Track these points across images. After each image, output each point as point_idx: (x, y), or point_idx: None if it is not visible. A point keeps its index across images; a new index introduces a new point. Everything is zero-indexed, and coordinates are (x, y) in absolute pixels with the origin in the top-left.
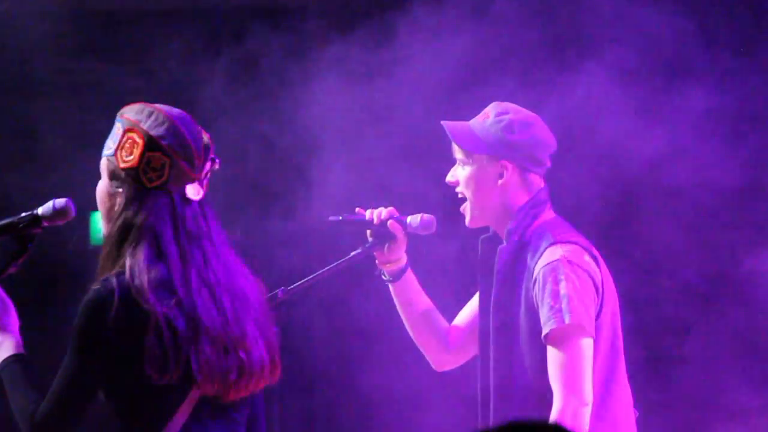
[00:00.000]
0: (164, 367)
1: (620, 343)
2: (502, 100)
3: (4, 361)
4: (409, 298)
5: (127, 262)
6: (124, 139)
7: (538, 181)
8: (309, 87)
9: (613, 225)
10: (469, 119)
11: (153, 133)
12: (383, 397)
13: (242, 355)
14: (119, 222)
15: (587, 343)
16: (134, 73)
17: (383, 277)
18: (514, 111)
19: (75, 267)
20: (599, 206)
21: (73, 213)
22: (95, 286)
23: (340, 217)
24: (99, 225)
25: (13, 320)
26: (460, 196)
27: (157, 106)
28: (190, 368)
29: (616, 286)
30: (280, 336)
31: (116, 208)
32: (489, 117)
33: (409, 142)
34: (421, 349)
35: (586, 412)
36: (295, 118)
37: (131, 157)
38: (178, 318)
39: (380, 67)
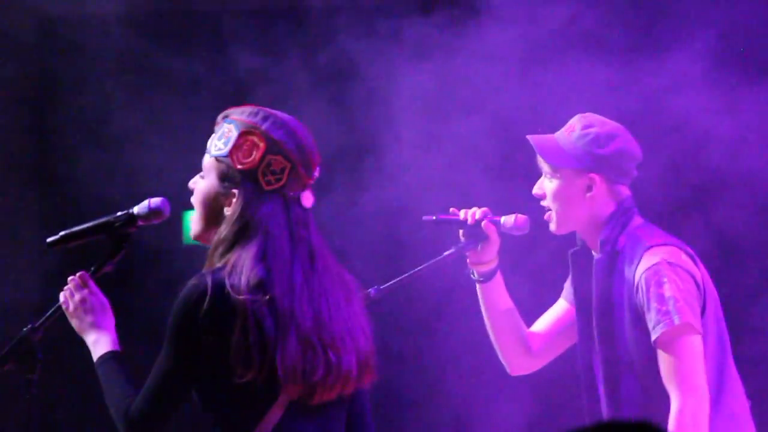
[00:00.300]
0: (248, 365)
1: (726, 336)
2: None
3: (100, 357)
4: (496, 299)
5: (233, 259)
6: (242, 140)
7: (624, 191)
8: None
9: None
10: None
11: (274, 135)
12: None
13: (332, 357)
14: (238, 224)
15: (697, 342)
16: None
17: (472, 276)
18: (600, 124)
19: (168, 266)
20: (685, 194)
21: (167, 213)
22: (191, 282)
23: (434, 217)
24: (191, 222)
25: (110, 318)
26: (546, 207)
27: (268, 109)
28: (273, 370)
29: (712, 280)
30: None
31: (229, 208)
32: (575, 130)
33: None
34: (499, 352)
35: (706, 411)
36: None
37: (251, 159)
38: (267, 316)
39: (460, 59)
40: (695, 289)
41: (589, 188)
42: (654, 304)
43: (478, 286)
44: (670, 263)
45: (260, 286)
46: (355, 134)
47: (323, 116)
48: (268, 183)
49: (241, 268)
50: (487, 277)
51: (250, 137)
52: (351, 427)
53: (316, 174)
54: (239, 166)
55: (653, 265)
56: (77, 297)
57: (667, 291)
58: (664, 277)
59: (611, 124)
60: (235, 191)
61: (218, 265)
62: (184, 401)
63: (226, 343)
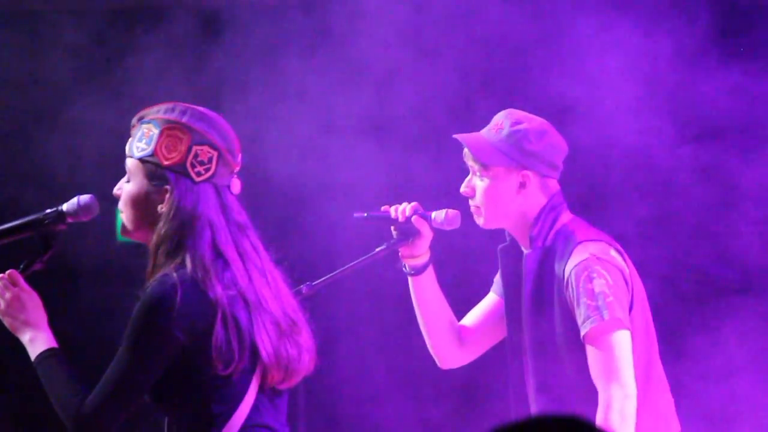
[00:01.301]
0: (230, 357)
1: (653, 332)
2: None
3: (39, 355)
4: (427, 293)
5: (188, 256)
6: (164, 137)
7: (554, 185)
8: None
9: None
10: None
11: (196, 127)
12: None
13: (299, 340)
14: (177, 219)
15: (626, 337)
16: None
17: (404, 269)
18: (528, 120)
19: (99, 263)
20: None
21: (97, 209)
22: (155, 282)
23: (365, 214)
24: (123, 222)
25: (42, 315)
26: (474, 205)
27: (184, 103)
28: (255, 355)
29: (641, 278)
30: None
31: (163, 206)
32: (503, 128)
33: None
34: (430, 345)
35: (633, 404)
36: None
37: (176, 153)
38: (240, 307)
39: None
40: (624, 285)
41: (522, 185)
42: (583, 300)
43: (409, 279)
44: (599, 258)
45: (227, 277)
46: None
47: None
48: (198, 174)
49: (203, 264)
50: (418, 271)
51: (173, 132)
52: None
53: (240, 160)
54: (166, 162)
55: (583, 260)
56: (8, 295)
57: (597, 286)
58: (594, 273)
59: (538, 120)
60: (167, 188)
61: (169, 264)
62: (138, 402)
63: (204, 338)
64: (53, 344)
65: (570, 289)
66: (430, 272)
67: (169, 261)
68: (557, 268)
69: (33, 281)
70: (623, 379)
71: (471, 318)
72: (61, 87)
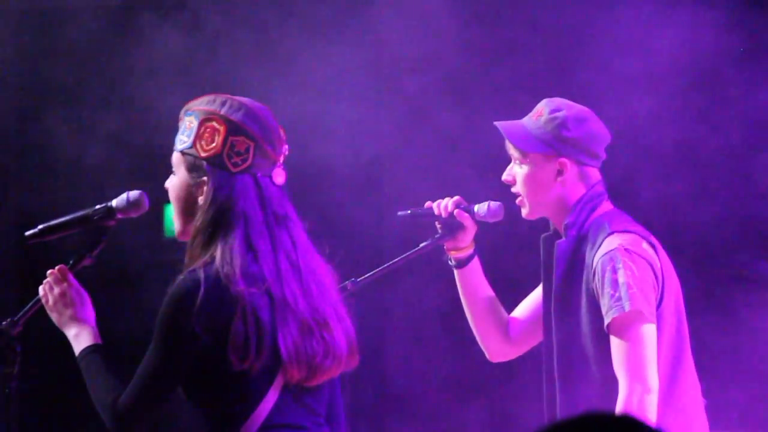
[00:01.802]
0: (246, 353)
1: (685, 330)
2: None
3: (82, 351)
4: (474, 285)
5: (218, 250)
6: (202, 129)
7: (594, 174)
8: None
9: None
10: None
11: (233, 118)
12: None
13: (327, 337)
14: (212, 210)
15: (649, 330)
16: None
17: (450, 262)
18: (567, 107)
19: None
20: None
21: (147, 205)
22: (181, 278)
23: (409, 212)
24: (172, 218)
25: (89, 312)
26: (516, 193)
27: (226, 95)
28: (277, 354)
29: (677, 273)
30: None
31: (202, 198)
32: (543, 115)
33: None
34: (479, 338)
35: (653, 399)
36: None
37: (214, 144)
38: (264, 304)
39: None
40: (652, 278)
41: (560, 173)
42: (607, 289)
43: (455, 272)
44: (627, 250)
45: (252, 275)
46: None
47: None
48: (235, 165)
49: (231, 259)
50: (463, 263)
51: (210, 124)
52: (328, 410)
53: (284, 151)
54: (204, 154)
55: (610, 250)
56: (56, 291)
57: (621, 277)
58: (620, 263)
59: (578, 107)
60: (205, 179)
61: (203, 257)
62: (170, 396)
63: (223, 335)
64: (97, 341)
65: (596, 279)
66: (475, 264)
67: (203, 253)
68: (588, 257)
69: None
70: (644, 373)
71: (519, 311)
72: None
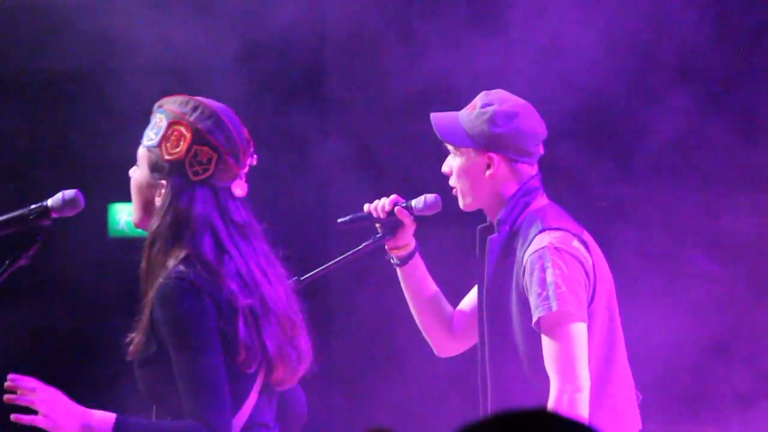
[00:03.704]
0: (250, 357)
1: (618, 328)
2: None
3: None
4: (417, 282)
5: (191, 255)
6: (169, 131)
7: (528, 170)
8: None
9: None
10: None
11: (200, 126)
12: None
13: (301, 341)
14: (169, 216)
15: (579, 329)
16: None
17: (392, 261)
18: (499, 101)
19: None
20: None
21: (82, 204)
22: (169, 279)
23: (348, 217)
24: (117, 216)
25: (75, 409)
26: (452, 185)
27: (201, 98)
28: (265, 355)
29: (611, 270)
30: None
31: (159, 199)
32: (475, 108)
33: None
34: (425, 335)
35: (583, 398)
36: None
37: (178, 150)
38: (257, 307)
39: None
40: (583, 277)
41: (488, 167)
42: (535, 288)
43: (398, 270)
44: (557, 248)
45: (237, 277)
46: None
47: None
48: (195, 173)
49: (211, 262)
50: (404, 261)
51: (178, 128)
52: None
53: (249, 163)
54: (167, 157)
55: (540, 248)
56: (43, 409)
57: (549, 276)
58: (549, 262)
59: (512, 102)
60: (164, 182)
61: (168, 261)
62: (228, 389)
63: (226, 335)
64: (112, 419)
65: (526, 276)
66: (417, 261)
67: (167, 259)
68: (519, 253)
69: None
70: (573, 372)
71: (462, 305)
72: None
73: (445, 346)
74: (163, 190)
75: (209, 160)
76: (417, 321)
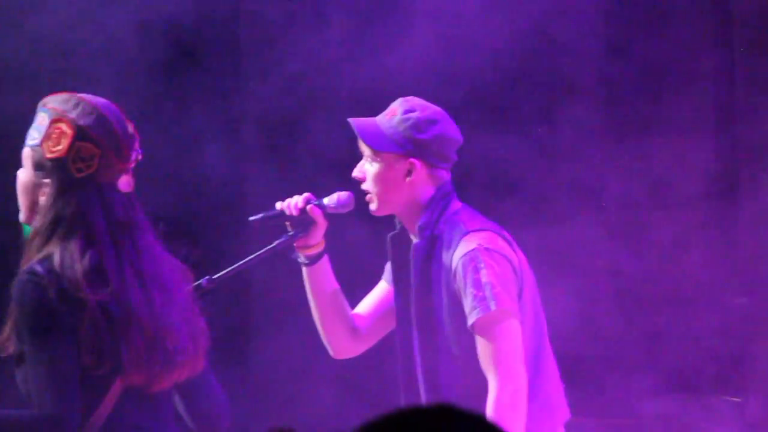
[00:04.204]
0: (100, 357)
1: (543, 319)
2: None
3: None
4: (322, 282)
5: (57, 252)
6: (51, 129)
7: (444, 175)
8: None
9: None
10: None
11: (81, 123)
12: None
13: (169, 346)
14: (51, 213)
15: (514, 326)
16: None
17: (299, 260)
18: (420, 108)
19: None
20: None
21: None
22: (23, 276)
23: (260, 215)
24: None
25: None
26: (365, 190)
27: (83, 95)
28: (119, 358)
29: (530, 265)
30: (207, 325)
31: (43, 198)
32: (396, 114)
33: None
34: (323, 335)
35: (524, 394)
36: None
37: (59, 147)
38: (112, 308)
39: None
40: (512, 274)
41: (409, 173)
42: (470, 290)
43: (304, 269)
44: (486, 249)
45: (97, 277)
46: None
47: None
48: (79, 170)
49: (72, 263)
50: (313, 260)
51: (59, 126)
52: (193, 398)
53: (134, 157)
54: (49, 155)
55: (470, 251)
56: None
57: (484, 276)
58: (481, 263)
59: (432, 109)
60: (47, 181)
61: (39, 257)
62: (79, 384)
63: (73, 335)
64: None
65: (458, 279)
66: (324, 261)
67: (38, 255)
68: (445, 257)
69: None
70: (513, 370)
71: (363, 307)
72: None
73: (345, 347)
74: (47, 189)
75: (92, 157)
76: (317, 321)
